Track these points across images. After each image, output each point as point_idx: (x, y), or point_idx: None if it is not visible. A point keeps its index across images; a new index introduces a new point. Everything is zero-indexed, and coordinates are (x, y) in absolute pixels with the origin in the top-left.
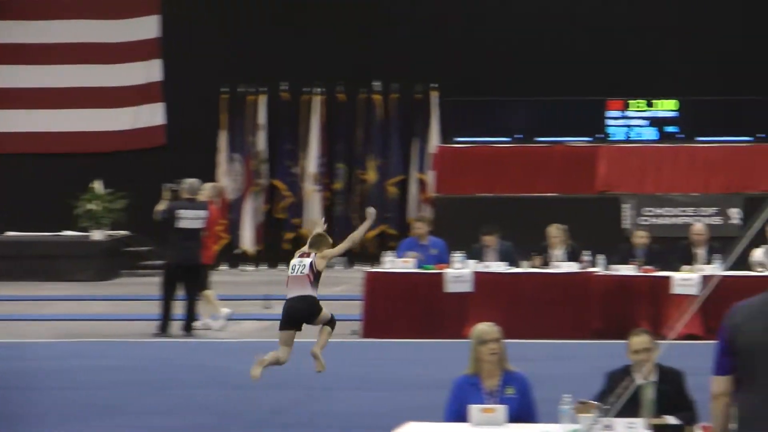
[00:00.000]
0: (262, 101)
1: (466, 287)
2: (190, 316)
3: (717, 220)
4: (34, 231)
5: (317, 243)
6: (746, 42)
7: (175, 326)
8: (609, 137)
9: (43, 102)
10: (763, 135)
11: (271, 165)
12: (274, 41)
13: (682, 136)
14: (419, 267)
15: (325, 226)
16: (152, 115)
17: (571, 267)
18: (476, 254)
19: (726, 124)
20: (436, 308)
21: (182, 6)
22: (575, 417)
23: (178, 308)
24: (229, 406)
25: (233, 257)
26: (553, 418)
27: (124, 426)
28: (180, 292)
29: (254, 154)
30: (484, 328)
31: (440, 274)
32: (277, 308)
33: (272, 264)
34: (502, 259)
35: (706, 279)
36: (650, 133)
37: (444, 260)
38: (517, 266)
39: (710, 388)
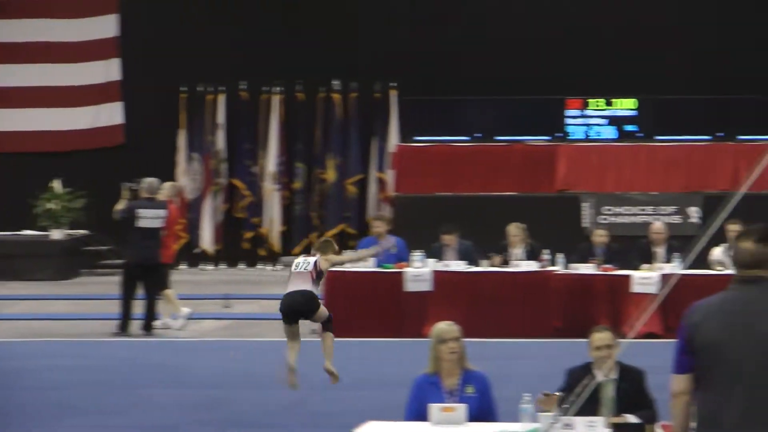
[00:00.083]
0: (221, 100)
1: (426, 286)
2: (150, 316)
3: (676, 219)
4: None
5: (324, 247)
6: (705, 41)
7: (135, 325)
8: (568, 136)
9: (1, 101)
10: (722, 134)
11: (231, 164)
12: (232, 40)
13: (642, 135)
14: (379, 266)
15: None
16: (111, 114)
17: (531, 266)
18: (436, 253)
19: (685, 123)
20: (396, 307)
21: (141, 5)
22: (535, 416)
23: (138, 307)
24: (188, 405)
25: (192, 256)
26: (513, 417)
27: (83, 425)
28: (140, 292)
29: (213, 154)
30: (444, 327)
31: (400, 273)
32: (237, 307)
33: (232, 263)
34: (461, 258)
35: (665, 278)
36: (609, 132)
37: (403, 259)
38: (477, 265)
39: (670, 387)
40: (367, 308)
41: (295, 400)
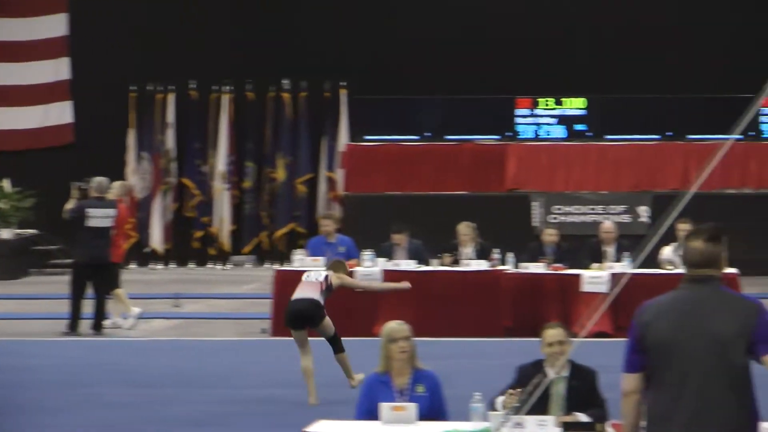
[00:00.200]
0: (171, 100)
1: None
2: (100, 315)
3: (626, 218)
4: None
5: (336, 266)
6: (653, 40)
7: (85, 325)
8: (518, 135)
9: None
10: (671, 133)
11: (180, 163)
12: (182, 39)
13: (591, 134)
14: None
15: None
16: (61, 113)
17: (481, 265)
18: (386, 252)
19: (634, 123)
20: (346, 306)
21: (90, 4)
22: (486, 414)
23: (88, 307)
24: (138, 404)
25: (142, 256)
26: (464, 416)
27: (32, 425)
28: (89, 291)
29: (163, 153)
30: (394, 326)
31: (350, 272)
32: (187, 306)
33: (181, 262)
34: (411, 258)
35: (615, 277)
36: (559, 132)
37: (353, 257)
38: (427, 264)
39: (621, 386)
40: None
41: (243, 398)
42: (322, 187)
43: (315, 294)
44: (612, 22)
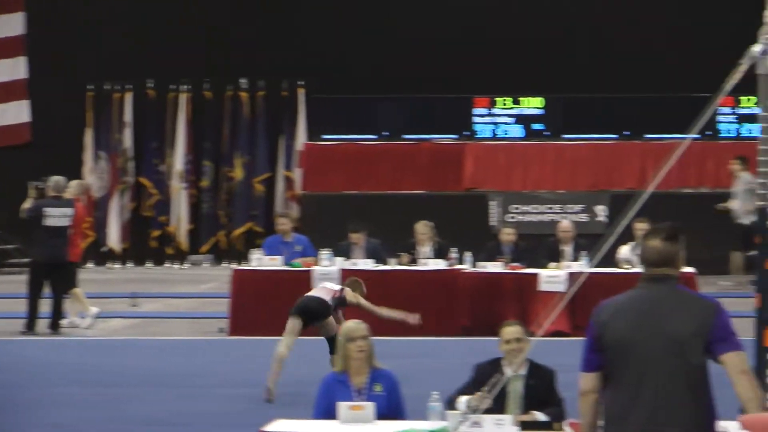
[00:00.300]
0: (128, 99)
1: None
2: (57, 314)
3: (583, 218)
4: None
5: (354, 286)
6: (610, 39)
7: (42, 324)
8: (476, 135)
9: None
10: (629, 132)
11: (138, 163)
12: (139, 38)
13: (549, 133)
14: (286, 264)
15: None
16: (18, 112)
17: (439, 264)
18: (343, 252)
19: (592, 122)
20: None
21: (47, 3)
22: (444, 414)
23: (45, 306)
24: (96, 403)
25: (100, 255)
26: (422, 415)
27: None
28: (47, 290)
29: (120, 152)
30: (352, 325)
31: (308, 271)
32: (145, 305)
33: (139, 262)
34: (369, 257)
35: (573, 276)
36: (517, 131)
37: (309, 255)
38: (385, 264)
39: (578, 385)
40: (274, 307)
41: (201, 397)
42: (280, 186)
43: (326, 296)
44: (564, 21)
